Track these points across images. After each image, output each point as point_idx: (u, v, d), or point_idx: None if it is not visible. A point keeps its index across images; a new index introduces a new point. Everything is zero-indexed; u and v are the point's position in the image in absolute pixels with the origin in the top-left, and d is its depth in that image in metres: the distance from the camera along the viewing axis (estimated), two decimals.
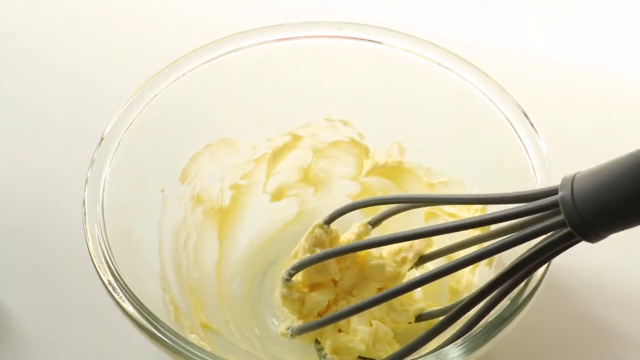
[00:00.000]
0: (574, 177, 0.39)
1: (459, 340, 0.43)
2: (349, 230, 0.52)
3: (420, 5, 0.77)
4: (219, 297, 0.55)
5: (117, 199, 0.48)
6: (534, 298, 0.43)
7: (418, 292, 0.55)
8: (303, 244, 0.51)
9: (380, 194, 0.59)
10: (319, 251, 0.50)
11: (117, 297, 0.43)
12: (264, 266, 0.58)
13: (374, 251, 0.51)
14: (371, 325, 0.50)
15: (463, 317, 0.44)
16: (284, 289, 0.51)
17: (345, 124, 0.57)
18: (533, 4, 0.77)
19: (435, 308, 0.51)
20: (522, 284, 0.43)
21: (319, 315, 0.51)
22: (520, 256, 0.41)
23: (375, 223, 0.51)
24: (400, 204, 0.50)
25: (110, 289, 0.44)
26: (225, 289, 0.56)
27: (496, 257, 0.48)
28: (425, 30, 0.58)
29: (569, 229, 0.39)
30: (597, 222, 0.38)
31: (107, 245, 0.45)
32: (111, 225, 0.46)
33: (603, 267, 0.58)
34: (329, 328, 0.50)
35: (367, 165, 0.58)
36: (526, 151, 0.49)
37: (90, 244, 0.45)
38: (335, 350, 0.50)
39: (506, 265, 0.42)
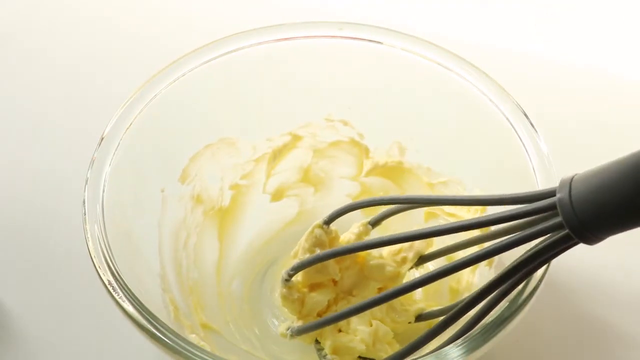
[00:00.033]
0: (572, 179, 0.39)
1: (459, 340, 0.43)
2: (348, 230, 0.52)
3: (420, 5, 0.77)
4: (219, 297, 0.55)
5: (117, 199, 0.48)
6: (533, 298, 0.43)
7: (418, 292, 0.55)
8: (303, 244, 0.51)
9: (380, 194, 0.59)
10: (318, 251, 0.50)
11: (117, 297, 0.43)
12: (264, 266, 0.58)
13: (374, 251, 0.51)
14: (371, 325, 0.50)
15: (463, 317, 0.44)
16: (284, 289, 0.51)
17: (345, 124, 0.57)
18: (533, 4, 0.77)
19: (435, 308, 0.51)
20: (522, 284, 0.43)
21: (319, 315, 0.51)
22: (519, 258, 0.41)
23: (375, 223, 0.51)
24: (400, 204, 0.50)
25: (110, 289, 0.44)
26: (225, 289, 0.56)
27: (496, 257, 0.48)
28: (425, 30, 0.58)
29: (566, 231, 0.39)
30: (595, 224, 0.38)
31: (107, 245, 0.45)
32: (111, 225, 0.46)
33: (603, 267, 0.58)
34: (329, 328, 0.50)
35: (367, 165, 0.58)
36: (526, 151, 0.49)
37: (90, 244, 0.45)
38: (335, 350, 0.50)
39: (506, 266, 0.42)
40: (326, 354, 0.50)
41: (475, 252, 0.43)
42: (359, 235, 0.51)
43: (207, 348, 0.46)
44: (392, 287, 0.51)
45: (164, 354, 0.43)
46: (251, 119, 0.56)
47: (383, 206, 0.51)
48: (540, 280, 0.44)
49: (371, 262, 0.51)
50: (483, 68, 0.52)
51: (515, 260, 0.42)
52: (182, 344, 0.42)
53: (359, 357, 0.50)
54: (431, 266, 0.55)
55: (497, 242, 0.42)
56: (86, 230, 0.46)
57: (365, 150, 0.58)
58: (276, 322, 0.55)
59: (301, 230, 0.52)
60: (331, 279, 0.51)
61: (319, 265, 0.50)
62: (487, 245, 0.46)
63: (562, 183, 0.39)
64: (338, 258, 0.50)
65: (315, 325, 0.50)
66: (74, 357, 0.55)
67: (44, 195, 0.62)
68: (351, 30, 0.54)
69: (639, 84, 0.70)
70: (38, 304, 0.57)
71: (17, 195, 0.63)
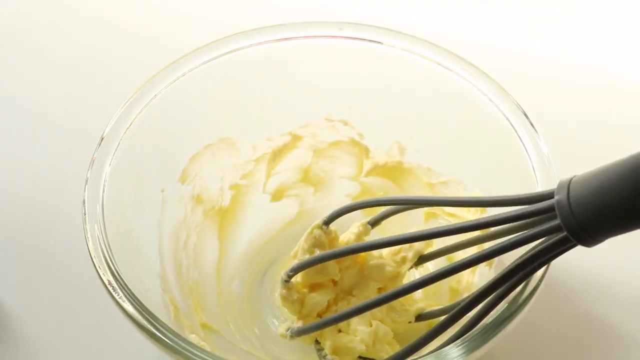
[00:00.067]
0: (570, 181, 0.38)
1: (459, 340, 0.43)
2: (348, 230, 0.52)
3: (420, 5, 0.77)
4: (219, 297, 0.55)
5: (117, 199, 0.48)
6: (533, 298, 0.43)
7: (418, 292, 0.54)
8: (302, 244, 0.51)
9: (380, 194, 0.59)
10: (318, 252, 0.50)
11: (117, 297, 0.43)
12: (264, 266, 0.58)
13: (374, 251, 0.51)
14: (371, 326, 0.50)
15: (463, 317, 0.44)
16: (283, 290, 0.51)
17: (345, 124, 0.57)
18: (533, 4, 0.77)
19: (435, 308, 0.51)
20: (521, 285, 0.43)
21: (319, 315, 0.51)
22: (518, 260, 0.41)
23: (374, 223, 0.51)
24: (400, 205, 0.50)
25: (110, 289, 0.44)
26: (225, 289, 0.56)
27: (496, 257, 0.48)
28: (425, 30, 0.58)
29: (565, 233, 0.38)
30: (594, 226, 0.37)
31: (107, 245, 0.45)
32: (111, 225, 0.46)
33: (603, 267, 0.58)
34: (329, 328, 0.50)
35: (367, 165, 0.58)
36: (526, 151, 0.49)
37: (90, 244, 0.45)
38: (335, 351, 0.50)
39: (506, 266, 0.42)
40: (326, 354, 0.50)
41: (475, 254, 0.43)
42: (359, 235, 0.51)
43: (207, 348, 0.46)
44: (392, 287, 0.51)
45: (164, 354, 0.43)
46: (251, 119, 0.56)
47: (382, 206, 0.51)
48: (540, 281, 0.44)
49: (371, 262, 0.51)
50: (483, 68, 0.52)
51: (514, 262, 0.42)
52: (182, 344, 0.42)
53: (359, 357, 0.50)
54: (431, 266, 0.55)
55: (497, 244, 0.42)
56: (86, 230, 0.46)
57: (365, 150, 0.58)
58: (276, 322, 0.55)
59: (301, 230, 0.52)
60: (331, 279, 0.51)
61: (318, 265, 0.50)
62: (486, 245, 0.46)
63: (560, 185, 0.39)
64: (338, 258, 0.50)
65: (315, 327, 0.50)
66: (74, 357, 0.55)
67: (44, 195, 0.62)
68: (351, 30, 0.54)
69: (639, 84, 0.70)
70: (38, 304, 0.57)
71: (17, 195, 0.63)
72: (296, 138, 0.57)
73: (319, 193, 0.60)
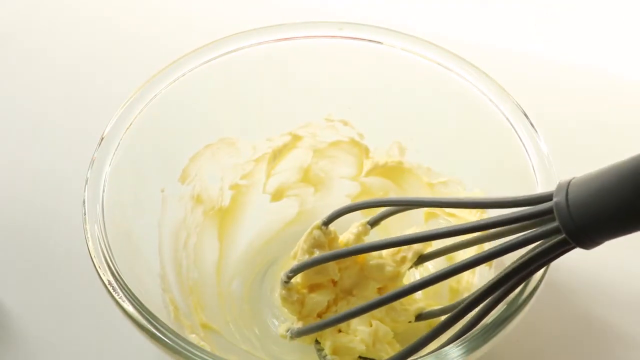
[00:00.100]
0: (569, 183, 0.38)
1: (459, 341, 0.43)
2: (348, 230, 0.52)
3: (420, 5, 0.77)
4: (219, 297, 0.55)
5: (117, 199, 0.48)
6: (533, 298, 0.43)
7: (418, 292, 0.54)
8: (302, 245, 0.51)
9: (380, 194, 0.59)
10: (317, 252, 0.50)
11: (117, 297, 0.43)
12: (264, 266, 0.58)
13: None
14: (371, 325, 0.50)
15: (463, 318, 0.44)
16: (283, 291, 0.51)
17: (345, 124, 0.57)
18: (533, 4, 0.77)
19: (435, 307, 0.51)
20: (521, 285, 0.43)
21: (319, 315, 0.51)
22: (517, 261, 0.41)
23: (374, 223, 0.51)
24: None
25: (110, 289, 0.44)
26: (225, 289, 0.56)
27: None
28: (425, 30, 0.58)
29: (563, 235, 0.38)
30: (592, 229, 0.37)
31: (107, 245, 0.45)
32: (111, 225, 0.46)
33: (603, 267, 0.58)
34: (329, 328, 0.50)
35: (367, 165, 0.58)
36: (526, 151, 0.49)
37: (90, 244, 0.45)
38: (335, 351, 0.50)
39: (506, 266, 0.42)
40: (326, 354, 0.50)
41: (474, 256, 0.43)
42: (358, 235, 0.51)
43: (207, 348, 0.46)
44: (392, 287, 0.51)
45: (164, 354, 0.43)
46: (251, 119, 0.56)
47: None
48: (540, 281, 0.44)
49: (371, 262, 0.51)
50: (483, 68, 0.52)
51: (513, 263, 0.41)
52: (182, 344, 0.42)
53: (359, 357, 0.50)
54: (430, 265, 0.55)
55: (497, 246, 0.42)
56: (86, 230, 0.46)
57: (365, 150, 0.58)
58: (276, 322, 0.55)
59: (301, 230, 0.52)
60: (331, 280, 0.51)
61: (318, 266, 0.50)
62: (486, 245, 0.46)
63: (559, 187, 0.39)
64: None
65: (315, 328, 0.50)
66: (74, 357, 0.55)
67: (44, 195, 0.62)
68: (351, 30, 0.54)
69: (639, 84, 0.70)
70: (38, 304, 0.57)
71: (17, 195, 0.63)
72: (296, 138, 0.57)
73: (319, 193, 0.60)
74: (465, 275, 0.53)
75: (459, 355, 0.42)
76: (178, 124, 0.53)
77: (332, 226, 0.51)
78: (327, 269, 0.50)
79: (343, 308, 0.51)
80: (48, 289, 0.58)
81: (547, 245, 0.40)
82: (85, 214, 0.46)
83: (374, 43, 0.54)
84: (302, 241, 0.51)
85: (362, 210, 0.52)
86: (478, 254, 0.43)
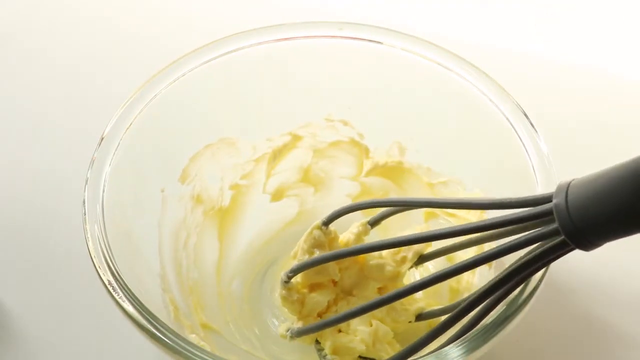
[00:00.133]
0: (569, 185, 0.38)
1: (459, 340, 0.43)
2: (348, 230, 0.52)
3: (420, 5, 0.77)
4: (219, 297, 0.55)
5: (117, 199, 0.48)
6: (533, 298, 0.43)
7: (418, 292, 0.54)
8: (302, 245, 0.51)
9: (380, 194, 0.59)
10: (317, 252, 0.50)
11: (117, 297, 0.43)
12: (264, 266, 0.58)
13: None
14: (371, 325, 0.50)
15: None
16: (283, 291, 0.51)
17: (345, 124, 0.57)
18: (533, 4, 0.77)
19: (435, 307, 0.51)
20: (521, 285, 0.43)
21: (319, 315, 0.51)
22: (516, 262, 0.41)
23: (374, 222, 0.51)
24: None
25: (110, 289, 0.44)
26: (225, 289, 0.56)
27: None
28: (425, 30, 0.58)
29: (563, 237, 0.38)
30: (592, 231, 0.37)
31: (107, 245, 0.45)
32: (111, 225, 0.46)
33: (603, 267, 0.58)
34: (329, 328, 0.50)
35: (367, 165, 0.58)
36: (526, 151, 0.49)
37: (90, 244, 0.45)
38: (335, 351, 0.50)
39: (506, 266, 0.42)
40: (326, 354, 0.50)
41: (475, 257, 0.43)
42: (359, 235, 0.51)
43: (207, 348, 0.46)
44: (392, 287, 0.51)
45: (164, 354, 0.43)
46: (251, 119, 0.56)
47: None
48: (540, 281, 0.44)
49: (371, 262, 0.51)
50: (483, 68, 0.52)
51: (513, 264, 0.41)
52: (182, 344, 0.42)
53: (359, 357, 0.50)
54: (430, 265, 0.55)
55: (497, 247, 0.42)
56: (86, 230, 0.46)
57: (365, 150, 0.58)
58: (276, 322, 0.55)
59: (301, 230, 0.52)
60: (331, 279, 0.51)
61: (318, 266, 0.50)
62: (486, 245, 0.46)
63: (559, 188, 0.39)
64: None
65: (316, 328, 0.50)
66: (74, 357, 0.55)
67: (44, 195, 0.62)
68: (351, 30, 0.54)
69: (639, 84, 0.70)
70: (38, 304, 0.57)
71: (17, 195, 0.63)
72: (296, 138, 0.57)
73: (319, 193, 0.60)
74: (465, 275, 0.53)
75: (459, 355, 0.42)
76: (178, 124, 0.53)
77: (332, 226, 0.51)
78: (327, 269, 0.50)
79: (343, 308, 0.51)
80: (48, 289, 0.58)
81: (546, 246, 0.40)
82: (85, 214, 0.46)
83: (374, 43, 0.54)
84: (302, 241, 0.51)
85: (362, 210, 0.52)
86: (478, 255, 0.43)
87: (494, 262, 0.49)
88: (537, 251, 0.40)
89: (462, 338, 0.43)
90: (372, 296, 0.51)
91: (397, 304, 0.51)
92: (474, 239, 0.46)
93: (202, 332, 0.50)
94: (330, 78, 0.56)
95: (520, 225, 0.41)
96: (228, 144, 0.55)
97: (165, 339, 0.42)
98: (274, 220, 0.59)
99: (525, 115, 0.50)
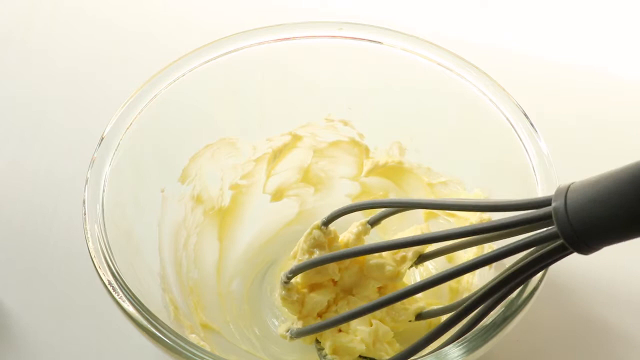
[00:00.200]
0: (568, 188, 0.38)
1: (459, 341, 0.43)
2: (348, 230, 0.52)
3: (420, 5, 0.77)
4: (219, 297, 0.55)
5: (117, 199, 0.48)
6: (533, 298, 0.43)
7: None
8: (302, 245, 0.51)
9: (380, 194, 0.59)
10: (317, 252, 0.50)
11: (117, 297, 0.43)
12: (264, 266, 0.58)
13: None
14: (371, 325, 0.50)
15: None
16: (283, 291, 0.51)
17: (346, 124, 0.57)
18: (533, 4, 0.77)
19: (435, 307, 0.51)
20: (521, 286, 0.43)
21: (319, 315, 0.51)
22: (515, 265, 0.41)
23: (374, 222, 0.51)
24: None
25: (110, 289, 0.44)
26: (225, 289, 0.56)
27: None
28: (425, 30, 0.58)
29: (562, 240, 0.38)
30: (591, 234, 0.37)
31: (107, 245, 0.45)
32: (111, 225, 0.46)
33: (603, 267, 0.58)
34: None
35: (367, 165, 0.58)
36: (526, 151, 0.49)
37: (90, 244, 0.45)
38: (335, 351, 0.50)
39: (506, 267, 0.42)
40: (326, 354, 0.50)
41: (474, 259, 0.43)
42: (358, 234, 0.51)
43: (207, 348, 0.46)
44: (392, 286, 0.51)
45: (164, 354, 0.43)
46: (251, 119, 0.56)
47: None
48: (540, 282, 0.44)
49: (371, 262, 0.51)
50: (483, 68, 0.52)
51: (512, 266, 0.41)
52: (182, 344, 0.42)
53: (359, 356, 0.50)
54: (430, 265, 0.55)
55: (497, 249, 0.42)
56: (86, 230, 0.46)
57: (365, 150, 0.58)
58: (276, 322, 0.55)
59: (301, 230, 0.52)
60: (331, 279, 0.51)
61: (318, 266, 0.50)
62: (486, 245, 0.46)
63: (558, 192, 0.38)
64: None
65: (316, 328, 0.50)
66: (74, 357, 0.55)
67: (44, 195, 0.62)
68: (351, 30, 0.54)
69: (639, 84, 0.70)
70: (38, 304, 0.57)
71: (17, 195, 0.63)
72: (296, 138, 0.57)
73: (319, 193, 0.60)
74: (465, 275, 0.53)
75: (459, 355, 0.42)
76: (178, 124, 0.53)
77: (332, 226, 0.51)
78: (327, 268, 0.50)
79: (343, 308, 0.51)
80: (48, 289, 0.58)
81: (546, 249, 0.40)
82: (85, 214, 0.46)
83: (374, 43, 0.54)
84: (302, 241, 0.51)
85: (362, 210, 0.52)
86: (478, 257, 0.43)
87: (494, 263, 0.49)
88: (537, 254, 0.40)
89: (462, 338, 0.43)
90: (372, 296, 0.51)
91: (397, 303, 0.51)
92: (474, 240, 0.46)
93: (202, 332, 0.50)
94: (330, 78, 0.56)
95: (520, 228, 0.41)
96: (228, 144, 0.55)
97: (165, 339, 0.42)
98: (274, 220, 0.59)
99: (525, 115, 0.50)
